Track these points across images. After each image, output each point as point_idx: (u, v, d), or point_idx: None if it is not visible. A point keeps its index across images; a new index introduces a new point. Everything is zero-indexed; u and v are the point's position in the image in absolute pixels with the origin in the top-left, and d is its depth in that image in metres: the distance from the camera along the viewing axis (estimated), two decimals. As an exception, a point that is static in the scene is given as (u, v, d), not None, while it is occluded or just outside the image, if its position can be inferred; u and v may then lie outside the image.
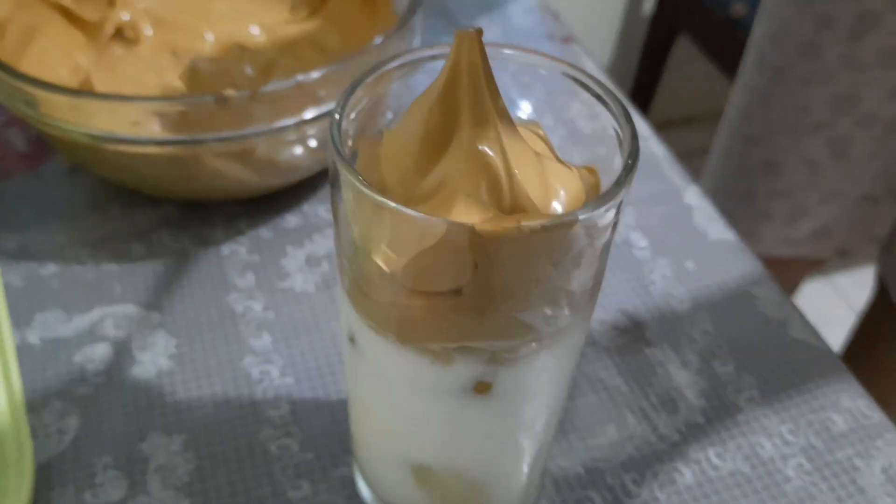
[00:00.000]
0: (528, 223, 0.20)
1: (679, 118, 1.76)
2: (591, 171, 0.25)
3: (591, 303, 0.25)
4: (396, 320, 0.24)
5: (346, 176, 0.21)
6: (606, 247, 0.23)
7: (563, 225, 0.20)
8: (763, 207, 0.75)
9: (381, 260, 0.22)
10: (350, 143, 0.25)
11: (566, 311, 0.24)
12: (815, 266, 0.84)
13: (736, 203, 0.76)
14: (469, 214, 0.21)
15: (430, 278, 0.22)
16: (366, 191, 0.21)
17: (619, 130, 0.23)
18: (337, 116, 0.22)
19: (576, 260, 0.22)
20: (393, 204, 0.20)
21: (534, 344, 0.24)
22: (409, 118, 0.23)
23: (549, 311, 0.23)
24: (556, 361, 0.26)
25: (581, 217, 0.20)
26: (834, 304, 1.43)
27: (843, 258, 0.81)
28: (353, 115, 0.24)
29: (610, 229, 0.23)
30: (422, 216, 0.20)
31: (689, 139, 1.51)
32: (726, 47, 1.35)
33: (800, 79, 0.66)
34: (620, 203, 0.22)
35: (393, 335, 0.24)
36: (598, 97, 0.25)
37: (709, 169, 0.81)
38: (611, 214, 0.22)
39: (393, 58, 0.24)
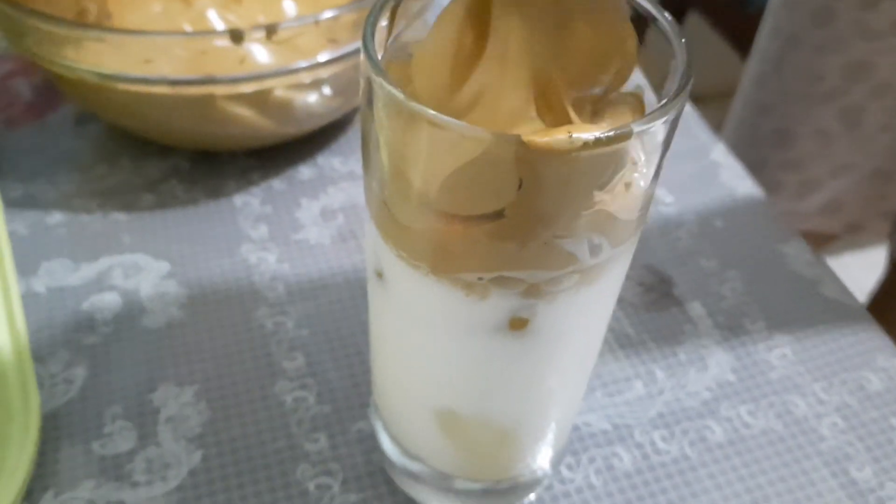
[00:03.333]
0: (581, 134, 0.18)
1: (690, 96, 1.74)
2: (636, 95, 0.23)
3: (636, 235, 0.24)
4: (430, 248, 0.22)
5: (379, 83, 0.20)
6: (657, 170, 0.22)
7: (618, 137, 0.19)
8: (773, 178, 0.74)
9: (417, 179, 0.21)
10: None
11: (610, 242, 0.22)
12: (825, 242, 0.83)
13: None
14: (512, 126, 0.20)
15: (469, 199, 0.20)
16: (402, 98, 0.19)
17: (671, 38, 0.22)
18: (372, 19, 0.21)
19: (625, 182, 0.21)
20: (431, 112, 0.19)
21: (576, 276, 0.22)
22: (436, 29, 0.22)
23: (595, 240, 0.22)
24: (595, 298, 0.24)
25: (636, 129, 0.19)
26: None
27: (853, 234, 0.80)
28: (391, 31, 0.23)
29: (661, 149, 0.21)
30: (463, 125, 0.19)
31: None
32: (737, 24, 1.33)
33: (813, 46, 0.65)
34: (676, 119, 0.20)
35: (426, 265, 0.22)
36: (643, 10, 0.23)
37: (723, 139, 0.79)
38: (664, 130, 0.20)
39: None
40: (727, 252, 0.43)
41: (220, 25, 0.44)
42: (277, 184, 0.44)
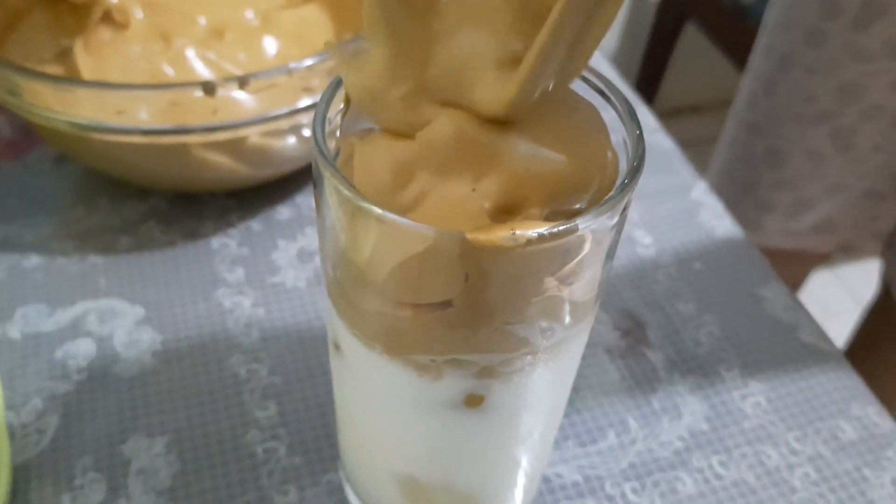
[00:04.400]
0: (524, 232, 0.18)
1: (686, 107, 1.74)
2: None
3: (592, 312, 0.24)
4: (383, 331, 0.22)
5: (328, 178, 0.20)
6: (609, 253, 0.22)
7: (562, 233, 0.19)
8: (765, 197, 0.74)
9: (366, 268, 0.21)
10: (336, 137, 0.23)
11: (565, 322, 0.22)
12: (820, 260, 0.83)
13: (739, 192, 0.75)
14: (458, 219, 0.20)
15: (417, 289, 0.20)
16: (349, 194, 0.19)
17: (623, 130, 0.22)
18: (321, 112, 0.21)
19: (576, 268, 0.21)
20: (378, 210, 0.19)
21: (529, 357, 0.22)
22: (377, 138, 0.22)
23: (544, 324, 0.22)
24: (553, 374, 0.24)
25: (582, 225, 0.19)
26: (838, 297, 1.41)
27: (846, 253, 0.80)
28: (339, 108, 0.23)
29: (613, 234, 0.21)
30: (408, 223, 0.19)
31: (695, 128, 1.49)
32: (735, 36, 1.33)
33: (805, 67, 0.65)
34: (625, 207, 0.20)
35: (379, 346, 0.22)
36: (601, 92, 0.23)
37: (716, 157, 0.79)
38: (613, 220, 0.20)
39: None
40: (705, 295, 0.42)
41: (199, 65, 0.44)
42: (255, 224, 0.44)
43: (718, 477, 0.35)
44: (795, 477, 0.35)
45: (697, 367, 0.39)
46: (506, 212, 0.19)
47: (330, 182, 0.20)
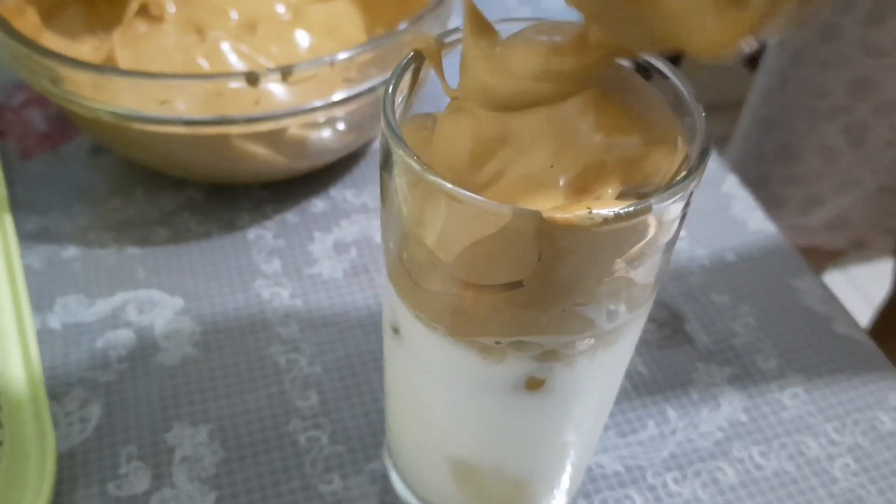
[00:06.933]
0: (600, 210, 0.18)
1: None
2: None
3: (651, 297, 0.24)
4: (447, 312, 0.22)
5: (400, 156, 0.20)
6: (673, 239, 0.22)
7: (637, 212, 0.19)
8: (777, 193, 0.74)
9: (435, 248, 0.21)
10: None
11: (627, 306, 0.22)
12: (832, 258, 0.83)
13: (751, 188, 0.75)
14: (531, 199, 0.20)
15: (488, 269, 0.20)
16: (421, 171, 0.19)
17: (691, 113, 0.22)
18: (391, 91, 0.21)
19: (643, 251, 0.21)
20: (450, 186, 0.19)
21: (592, 340, 0.22)
22: (453, 118, 0.22)
23: (611, 306, 0.22)
24: (612, 358, 0.24)
25: (656, 205, 0.19)
26: (849, 297, 1.41)
27: (858, 250, 0.80)
28: (401, 96, 0.23)
29: (679, 220, 0.21)
30: (484, 200, 0.19)
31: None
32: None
33: (818, 61, 0.65)
34: (692, 193, 0.20)
35: (443, 328, 0.22)
36: (665, 76, 0.23)
37: (728, 153, 0.79)
38: (682, 204, 0.20)
39: (450, 32, 0.23)
40: (739, 287, 0.43)
41: (233, 58, 0.44)
42: (290, 217, 0.44)
43: (759, 467, 0.35)
44: (836, 467, 0.35)
45: (735, 358, 0.39)
46: (579, 191, 0.20)
47: (402, 160, 0.20)
